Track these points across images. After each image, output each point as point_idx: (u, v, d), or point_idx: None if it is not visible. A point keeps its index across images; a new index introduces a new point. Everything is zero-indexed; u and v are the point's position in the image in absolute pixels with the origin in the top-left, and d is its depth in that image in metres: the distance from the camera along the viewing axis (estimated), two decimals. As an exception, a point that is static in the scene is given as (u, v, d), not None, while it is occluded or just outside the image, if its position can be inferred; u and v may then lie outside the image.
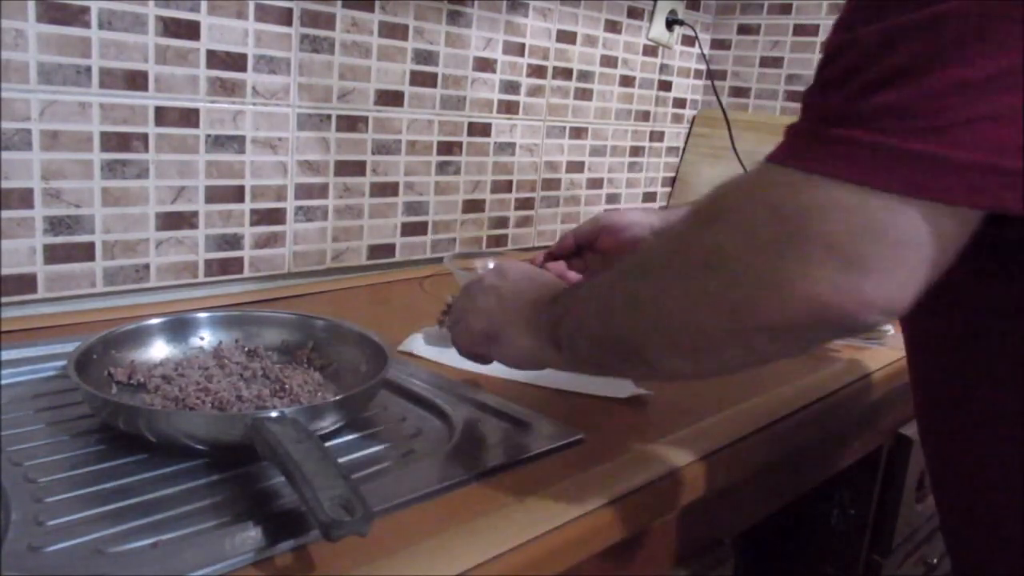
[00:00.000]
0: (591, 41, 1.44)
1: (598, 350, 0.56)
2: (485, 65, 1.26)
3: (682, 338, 0.48)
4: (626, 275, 0.53)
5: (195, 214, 0.98)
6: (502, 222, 1.37)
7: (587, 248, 0.85)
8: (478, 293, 0.67)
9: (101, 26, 0.86)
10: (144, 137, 0.92)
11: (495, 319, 0.64)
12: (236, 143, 0.99)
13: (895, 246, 0.39)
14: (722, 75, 1.71)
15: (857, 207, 0.38)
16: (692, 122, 1.74)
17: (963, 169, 0.37)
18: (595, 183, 1.53)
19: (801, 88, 1.51)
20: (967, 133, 0.37)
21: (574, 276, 0.83)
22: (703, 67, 1.71)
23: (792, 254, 0.40)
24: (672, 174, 1.74)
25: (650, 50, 1.57)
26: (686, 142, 1.74)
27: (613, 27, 1.47)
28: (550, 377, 0.78)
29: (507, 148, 1.34)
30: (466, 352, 0.69)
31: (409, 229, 1.22)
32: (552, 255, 0.87)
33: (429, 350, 0.83)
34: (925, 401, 0.59)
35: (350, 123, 1.11)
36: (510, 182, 1.36)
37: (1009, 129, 0.36)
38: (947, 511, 0.60)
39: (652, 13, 1.53)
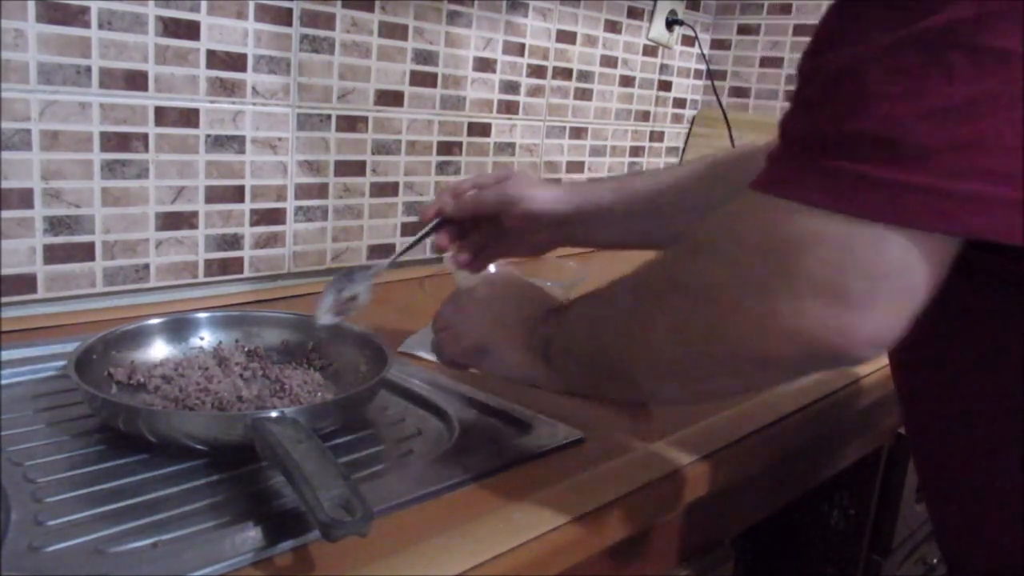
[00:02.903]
0: (591, 41, 1.44)
1: (588, 371, 0.57)
2: (485, 65, 1.26)
3: (673, 368, 0.48)
4: (617, 300, 0.53)
5: (195, 214, 0.98)
6: (502, 222, 1.37)
7: (485, 220, 0.79)
8: (469, 304, 0.66)
9: (101, 26, 0.86)
10: (144, 137, 0.92)
11: (487, 333, 0.64)
12: (236, 143, 0.99)
13: (882, 279, 0.38)
14: (722, 75, 1.71)
15: (842, 240, 0.37)
16: (692, 122, 1.74)
17: (950, 197, 0.36)
18: (595, 183, 1.53)
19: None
20: (950, 160, 0.35)
21: (461, 260, 0.79)
22: (703, 67, 1.71)
23: (779, 290, 0.39)
24: (672, 174, 1.74)
25: (650, 50, 1.57)
26: (686, 142, 1.74)
27: (613, 27, 1.47)
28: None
29: (507, 148, 1.34)
30: (449, 362, 0.69)
31: (409, 229, 1.22)
32: (448, 214, 0.78)
33: (428, 350, 0.83)
34: (917, 418, 0.59)
35: (350, 123, 1.11)
36: (510, 182, 1.36)
37: (993, 155, 0.35)
38: (941, 521, 0.59)
39: (652, 13, 1.53)
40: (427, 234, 0.78)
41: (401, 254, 0.78)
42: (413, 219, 1.22)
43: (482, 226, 0.80)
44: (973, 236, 0.37)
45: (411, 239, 0.78)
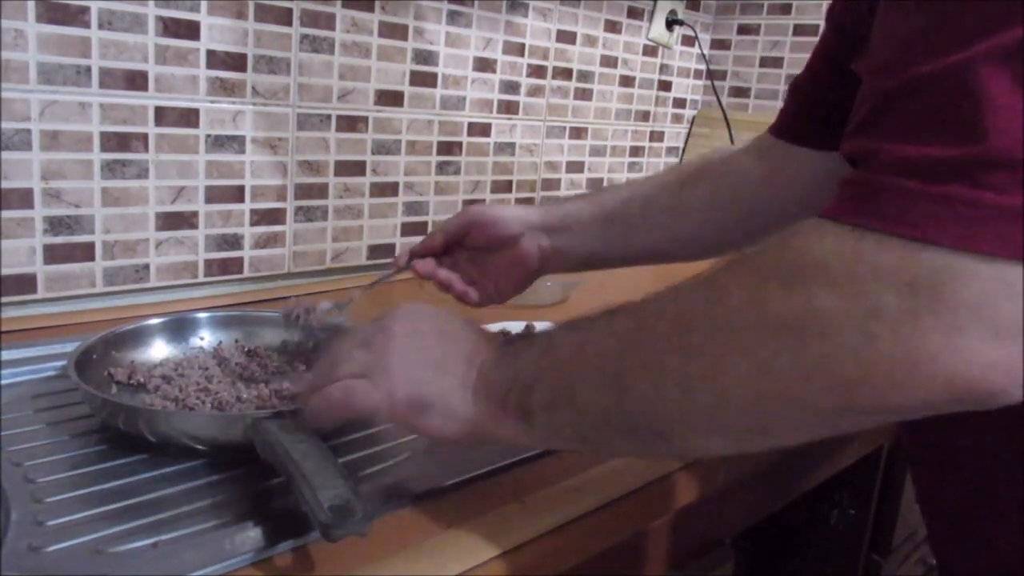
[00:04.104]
0: (591, 41, 1.44)
1: (595, 425, 0.45)
2: (485, 65, 1.26)
3: (738, 418, 0.40)
4: (641, 335, 0.43)
5: (195, 214, 0.98)
6: (502, 222, 1.37)
7: (456, 245, 0.78)
8: (385, 344, 0.52)
9: (101, 26, 0.86)
10: (144, 137, 0.92)
11: (423, 381, 0.50)
12: (236, 143, 0.99)
13: None
14: (722, 75, 1.71)
15: (992, 276, 0.32)
16: (692, 122, 1.74)
17: None
18: (595, 183, 1.53)
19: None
20: None
21: (444, 275, 0.77)
22: (703, 67, 1.71)
23: (928, 325, 0.33)
24: (672, 174, 1.74)
25: (650, 50, 1.57)
26: (686, 142, 1.74)
27: (613, 27, 1.47)
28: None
29: (507, 148, 1.34)
30: (383, 419, 0.54)
31: (409, 229, 1.22)
32: (418, 253, 0.78)
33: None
34: (913, 422, 0.58)
35: (350, 123, 1.11)
36: (510, 182, 1.36)
37: None
38: (934, 523, 0.59)
39: (652, 13, 1.53)
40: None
41: (374, 285, 0.80)
42: (413, 219, 1.22)
43: (460, 264, 0.78)
44: None
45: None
